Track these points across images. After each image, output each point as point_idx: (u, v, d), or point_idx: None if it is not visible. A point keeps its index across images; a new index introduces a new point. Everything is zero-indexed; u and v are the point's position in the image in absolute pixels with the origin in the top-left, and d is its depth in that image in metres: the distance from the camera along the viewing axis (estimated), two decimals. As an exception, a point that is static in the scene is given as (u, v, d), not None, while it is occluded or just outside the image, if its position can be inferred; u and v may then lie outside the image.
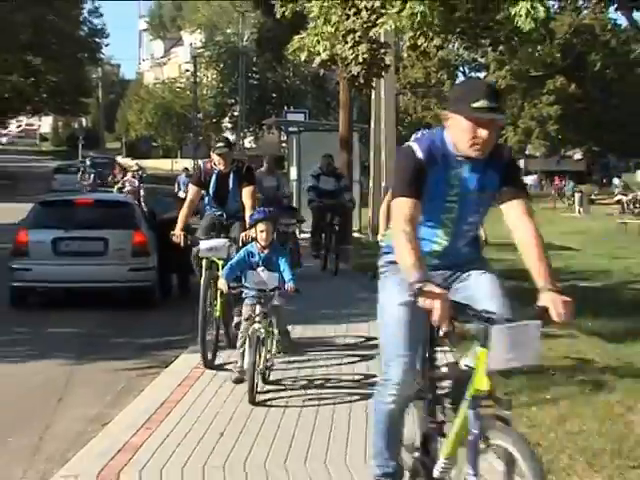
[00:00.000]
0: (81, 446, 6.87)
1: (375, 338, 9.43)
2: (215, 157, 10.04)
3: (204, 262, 9.62)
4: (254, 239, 8.44)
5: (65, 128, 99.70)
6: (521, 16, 10.49)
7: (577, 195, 44.49)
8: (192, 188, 10.50)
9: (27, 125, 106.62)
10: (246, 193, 10.00)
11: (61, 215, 14.87)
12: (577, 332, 11.53)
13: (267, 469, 6.15)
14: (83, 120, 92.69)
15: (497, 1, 12.26)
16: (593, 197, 45.76)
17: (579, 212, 41.96)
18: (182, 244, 9.77)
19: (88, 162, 53.17)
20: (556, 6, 10.89)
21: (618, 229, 33.17)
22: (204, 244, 9.60)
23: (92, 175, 42.11)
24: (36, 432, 7.64)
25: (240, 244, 9.32)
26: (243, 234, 9.45)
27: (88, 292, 14.04)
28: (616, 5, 14.74)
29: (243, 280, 8.35)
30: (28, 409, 8.47)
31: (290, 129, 31.41)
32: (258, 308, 8.05)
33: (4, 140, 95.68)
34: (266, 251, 8.31)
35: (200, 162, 11.93)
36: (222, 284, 8.38)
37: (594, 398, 7.79)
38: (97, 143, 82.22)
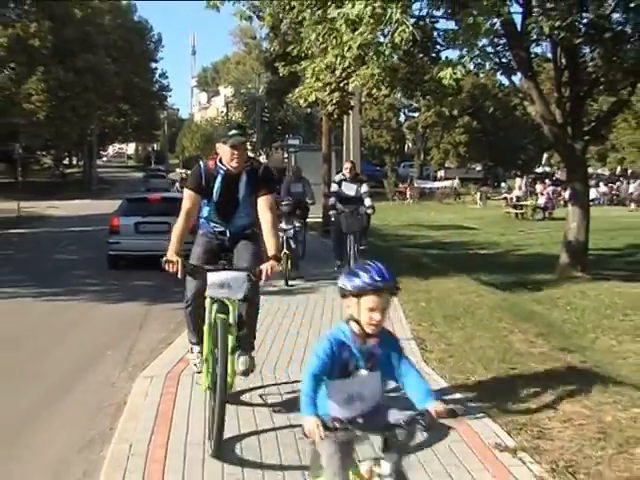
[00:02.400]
0: (155, 357, 6.92)
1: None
2: (226, 150, 4.93)
3: (208, 302, 4.80)
4: (353, 320, 2.88)
5: (143, 150, 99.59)
6: (446, 78, 10.53)
7: (478, 193, 44.47)
8: (188, 194, 5.09)
9: (119, 149, 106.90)
10: (265, 203, 5.00)
11: (140, 207, 14.90)
12: (479, 284, 11.63)
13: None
14: (154, 145, 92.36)
15: (424, 67, 12.35)
16: (488, 195, 45.69)
17: (479, 205, 41.95)
18: (179, 275, 4.87)
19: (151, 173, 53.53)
20: (463, 71, 10.87)
21: (504, 216, 33.25)
22: (213, 278, 4.70)
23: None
24: (126, 348, 7.69)
25: (262, 278, 4.70)
26: (266, 266, 4.68)
27: (158, 258, 14.00)
28: (501, 71, 14.97)
29: (328, 399, 2.86)
30: (120, 334, 8.51)
31: (290, 149, 31.54)
32: (384, 468, 2.74)
33: (104, 159, 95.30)
34: (371, 342, 2.93)
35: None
36: (310, 426, 2.61)
37: (490, 325, 7.87)
38: (163, 160, 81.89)
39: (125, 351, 7.57)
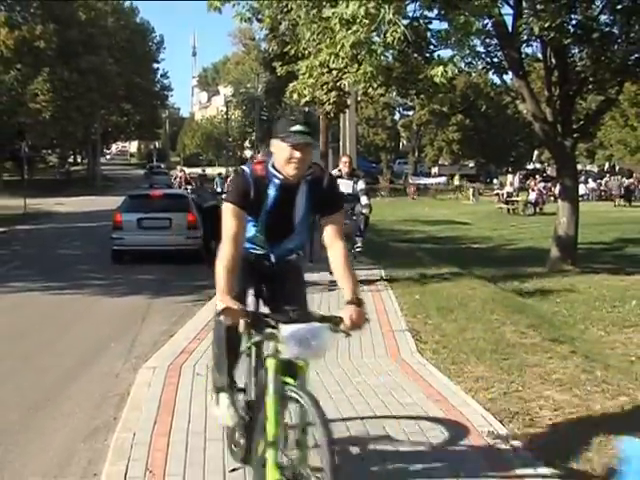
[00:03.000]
0: (157, 349, 6.91)
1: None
2: (283, 149, 3.27)
3: (272, 363, 3.10)
4: None
5: (145, 148, 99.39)
6: (438, 75, 10.50)
7: (471, 189, 44.49)
8: (232, 212, 3.33)
9: (122, 147, 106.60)
10: (334, 227, 3.38)
11: (142, 203, 14.91)
12: (472, 277, 11.62)
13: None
14: (156, 143, 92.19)
15: (418, 66, 12.33)
16: (481, 191, 45.70)
17: (472, 200, 41.95)
18: (241, 329, 3.19)
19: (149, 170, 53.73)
20: (456, 70, 10.88)
21: (496, 212, 33.27)
22: (288, 331, 2.93)
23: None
24: (129, 340, 7.69)
25: (348, 329, 3.11)
26: (351, 313, 3.11)
27: (160, 253, 14.01)
28: (493, 70, 14.99)
29: None
30: (124, 326, 8.50)
31: (288, 148, 31.51)
32: None
33: (108, 157, 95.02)
34: None
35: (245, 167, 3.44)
36: None
37: (482, 317, 7.85)
38: (164, 157, 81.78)
39: (128, 343, 7.55)
